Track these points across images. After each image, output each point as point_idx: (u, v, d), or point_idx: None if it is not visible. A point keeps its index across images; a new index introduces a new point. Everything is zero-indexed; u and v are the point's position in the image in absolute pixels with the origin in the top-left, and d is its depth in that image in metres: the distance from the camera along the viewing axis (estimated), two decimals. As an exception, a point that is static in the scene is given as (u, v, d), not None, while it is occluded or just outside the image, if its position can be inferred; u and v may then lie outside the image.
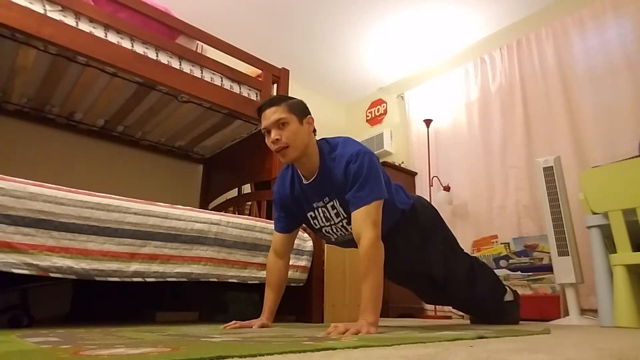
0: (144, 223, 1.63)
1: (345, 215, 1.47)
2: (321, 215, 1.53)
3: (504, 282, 1.98)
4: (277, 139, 1.40)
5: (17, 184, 1.39)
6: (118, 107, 2.49)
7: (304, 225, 1.68)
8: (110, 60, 1.95)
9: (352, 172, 1.36)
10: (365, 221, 1.31)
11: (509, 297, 1.87)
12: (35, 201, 1.40)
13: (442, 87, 3.90)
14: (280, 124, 1.40)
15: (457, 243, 1.80)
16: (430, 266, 1.66)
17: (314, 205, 1.52)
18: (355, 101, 4.87)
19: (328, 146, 1.49)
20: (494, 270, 2.32)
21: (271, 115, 1.41)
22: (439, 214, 1.80)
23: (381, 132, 4.29)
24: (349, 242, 1.55)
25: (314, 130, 1.51)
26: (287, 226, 1.62)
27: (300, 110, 1.45)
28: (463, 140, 3.61)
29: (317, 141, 1.51)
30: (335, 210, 1.49)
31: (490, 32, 3.67)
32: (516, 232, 3.04)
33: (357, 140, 1.54)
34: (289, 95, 2.74)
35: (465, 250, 1.86)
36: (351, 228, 1.47)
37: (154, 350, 0.65)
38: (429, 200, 3.61)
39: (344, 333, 1.07)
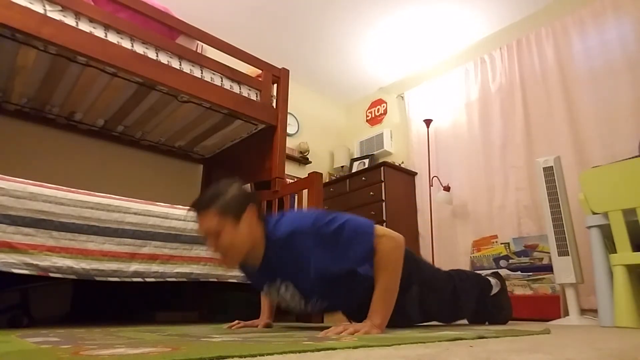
0: (144, 223, 1.63)
1: (300, 296, 1.32)
2: (275, 295, 1.39)
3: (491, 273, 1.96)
4: (214, 250, 1.25)
5: (17, 184, 1.39)
6: (118, 107, 2.50)
7: None
8: (110, 60, 1.95)
9: (329, 239, 1.19)
10: (382, 242, 1.21)
11: (495, 288, 1.85)
12: (35, 201, 1.40)
13: (442, 87, 3.90)
14: (211, 233, 1.23)
15: (435, 274, 1.66)
16: (409, 319, 1.52)
17: (266, 286, 1.39)
18: (355, 101, 4.87)
19: (275, 224, 1.29)
20: (491, 271, 2.32)
21: (201, 223, 1.25)
22: (414, 259, 1.57)
23: (381, 132, 4.30)
24: (318, 311, 1.45)
25: (259, 214, 1.31)
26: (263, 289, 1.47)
27: (237, 208, 1.25)
28: (463, 140, 3.61)
29: (267, 220, 1.32)
30: (289, 292, 1.33)
31: (490, 32, 3.67)
32: (516, 232, 3.03)
33: (301, 212, 1.35)
34: (289, 93, 2.76)
35: (443, 270, 1.76)
36: (311, 307, 1.36)
37: (154, 350, 0.65)
38: (428, 200, 3.63)
39: (341, 332, 1.06)
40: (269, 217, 1.33)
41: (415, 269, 1.52)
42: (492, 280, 1.88)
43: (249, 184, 2.99)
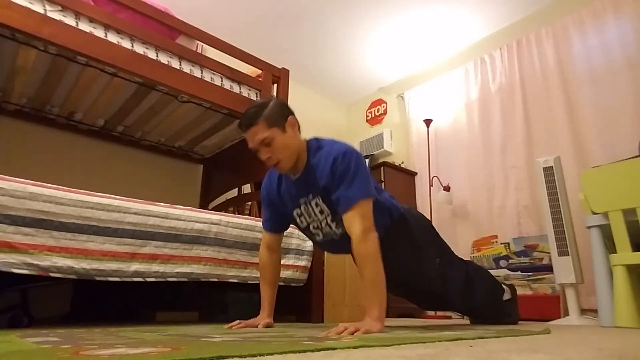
0: (144, 223, 1.63)
1: (329, 212, 1.45)
2: (305, 212, 1.52)
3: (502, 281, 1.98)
4: (268, 158, 1.40)
5: (17, 184, 1.39)
6: (118, 107, 2.49)
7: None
8: (110, 60, 1.94)
9: (339, 171, 1.34)
10: (353, 217, 1.30)
11: (507, 295, 1.87)
12: (35, 201, 1.40)
13: (442, 87, 3.90)
14: (265, 143, 1.38)
15: (452, 253, 1.76)
16: (428, 281, 1.61)
17: (300, 201, 1.50)
18: (355, 101, 4.87)
19: (316, 144, 1.47)
20: (491, 271, 2.33)
21: (253, 136, 1.39)
22: (431, 226, 1.75)
23: (381, 132, 4.30)
24: (335, 244, 1.54)
25: (299, 127, 1.48)
26: (276, 226, 1.62)
27: (280, 117, 1.41)
28: (463, 140, 3.61)
29: (307, 140, 1.49)
30: (319, 208, 1.46)
31: (490, 32, 3.67)
32: (516, 232, 3.04)
33: (344, 142, 1.51)
34: (289, 93, 2.75)
35: (460, 256, 1.83)
36: (335, 225, 1.47)
37: (154, 350, 0.65)
38: (428, 200, 3.63)
39: (342, 332, 1.06)
40: (309, 139, 1.49)
41: (434, 236, 1.69)
42: (505, 287, 1.90)
43: (249, 184, 3.00)
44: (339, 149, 1.38)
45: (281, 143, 1.38)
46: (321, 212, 1.47)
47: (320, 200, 1.44)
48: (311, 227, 1.55)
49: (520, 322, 1.97)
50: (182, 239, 1.73)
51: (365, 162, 1.43)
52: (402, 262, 1.55)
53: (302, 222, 1.56)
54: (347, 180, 1.33)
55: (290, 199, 1.53)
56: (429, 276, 1.60)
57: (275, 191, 1.57)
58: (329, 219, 1.47)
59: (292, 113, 1.47)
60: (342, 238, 1.49)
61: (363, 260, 1.27)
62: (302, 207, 1.51)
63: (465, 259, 1.88)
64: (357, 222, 1.29)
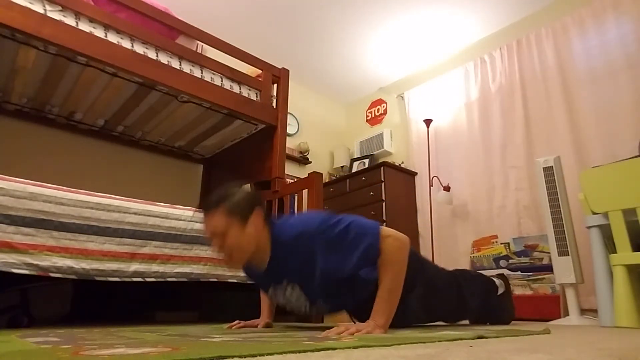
0: (144, 223, 1.63)
1: (306, 299, 1.34)
2: (281, 296, 1.40)
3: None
4: (218, 249, 1.25)
5: (17, 184, 1.39)
6: (118, 107, 2.50)
7: None
8: (110, 60, 1.95)
9: (334, 242, 1.20)
10: (387, 242, 1.20)
11: (500, 289, 1.86)
12: (35, 201, 1.40)
13: (442, 87, 3.90)
14: (217, 234, 1.23)
15: (438, 273, 1.67)
16: (412, 319, 1.53)
17: (272, 287, 1.40)
18: (355, 101, 4.87)
19: (281, 228, 1.30)
20: (491, 271, 2.32)
21: (208, 223, 1.25)
22: (418, 260, 1.58)
23: (381, 132, 4.30)
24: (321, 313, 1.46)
25: (264, 218, 1.30)
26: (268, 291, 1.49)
27: (245, 210, 1.25)
28: (463, 140, 3.61)
29: (273, 223, 1.32)
30: (295, 294, 1.34)
31: (490, 32, 3.67)
32: (516, 232, 3.03)
33: (308, 213, 1.36)
34: (289, 93, 2.76)
35: (447, 269, 1.76)
36: (315, 310, 1.37)
37: (154, 350, 0.65)
38: (428, 200, 3.63)
39: (342, 332, 1.07)
40: (275, 220, 1.33)
41: (420, 269, 1.53)
42: (497, 281, 1.88)
43: (249, 184, 2.99)
44: (312, 225, 1.23)
45: (235, 239, 1.23)
46: (297, 299, 1.35)
47: (298, 287, 1.33)
48: (287, 307, 1.44)
49: (520, 322, 1.97)
50: (182, 239, 1.73)
51: (335, 215, 1.28)
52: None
53: (277, 299, 1.45)
54: (352, 240, 1.20)
55: (262, 283, 1.44)
56: (415, 314, 1.51)
57: (248, 268, 1.47)
58: (307, 305, 1.36)
59: (259, 204, 1.31)
60: (329, 312, 1.45)
61: (389, 266, 1.20)
62: (276, 291, 1.40)
63: (453, 269, 1.81)
64: (396, 244, 1.21)
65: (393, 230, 1.27)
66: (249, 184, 1.34)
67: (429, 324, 1.70)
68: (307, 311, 1.39)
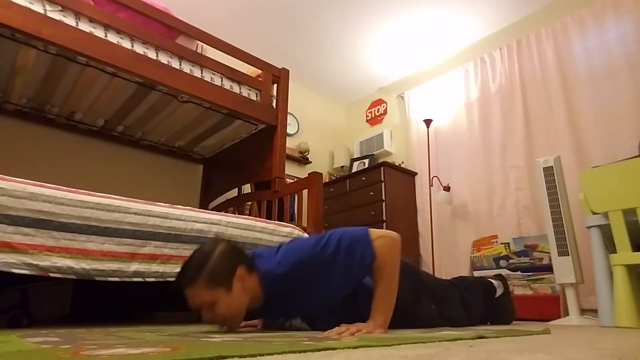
0: (144, 223, 1.63)
1: (310, 322, 1.31)
2: (280, 325, 1.38)
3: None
4: (212, 318, 1.21)
5: (17, 184, 1.39)
6: (118, 107, 2.50)
7: (303, 224, 1.67)
8: (110, 60, 1.95)
9: (328, 262, 1.19)
10: (378, 244, 1.20)
11: (499, 290, 1.86)
12: (35, 201, 1.40)
13: (442, 87, 3.90)
14: (206, 305, 1.18)
15: (438, 284, 1.68)
16: (423, 324, 1.50)
17: (275, 320, 1.38)
18: (355, 101, 4.87)
19: (270, 265, 1.25)
20: (490, 271, 2.32)
21: (192, 298, 1.18)
22: (416, 272, 1.58)
23: (381, 132, 4.30)
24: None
25: (249, 271, 1.24)
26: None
27: (226, 274, 1.18)
28: (463, 140, 3.61)
29: (258, 266, 1.26)
30: (297, 323, 1.32)
31: (491, 32, 3.67)
32: (516, 232, 3.03)
33: (292, 245, 1.31)
34: (289, 93, 2.75)
35: (447, 279, 1.79)
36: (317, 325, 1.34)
37: (154, 350, 0.65)
38: (428, 200, 3.63)
39: (343, 332, 1.07)
40: (260, 260, 1.27)
41: (419, 282, 1.54)
42: (495, 283, 1.88)
43: (249, 184, 2.99)
44: (287, 265, 1.20)
45: (225, 307, 1.17)
46: (300, 324, 1.33)
47: (299, 320, 1.31)
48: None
49: (520, 322, 1.97)
50: (182, 239, 1.73)
51: (319, 236, 1.26)
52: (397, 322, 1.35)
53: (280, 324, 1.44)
54: (344, 254, 1.19)
55: (259, 313, 1.40)
56: (425, 322, 1.50)
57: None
58: (309, 327, 1.33)
59: (240, 262, 1.22)
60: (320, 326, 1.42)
61: (383, 266, 1.20)
62: (275, 322, 1.38)
63: (451, 279, 1.82)
64: (387, 244, 1.21)
65: (381, 230, 1.27)
66: (223, 242, 1.26)
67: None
68: (309, 330, 1.36)
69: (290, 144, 4.08)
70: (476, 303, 1.73)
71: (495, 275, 1.98)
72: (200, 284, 1.15)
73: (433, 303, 1.54)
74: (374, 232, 1.24)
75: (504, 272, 2.72)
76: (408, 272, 1.45)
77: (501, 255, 2.84)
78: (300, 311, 1.30)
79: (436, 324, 1.53)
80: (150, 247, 1.63)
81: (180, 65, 2.19)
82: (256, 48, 3.04)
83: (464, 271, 3.18)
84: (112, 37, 1.96)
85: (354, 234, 1.23)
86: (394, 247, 1.24)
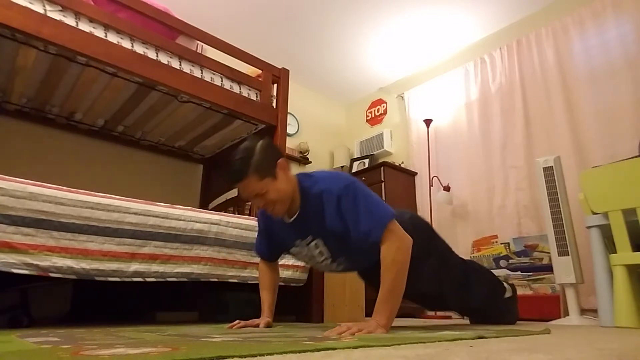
0: (144, 223, 1.63)
1: (329, 255, 1.42)
2: (304, 252, 1.47)
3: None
4: (264, 206, 1.35)
5: (17, 184, 1.39)
6: (118, 107, 2.49)
7: None
8: (110, 60, 1.94)
9: (348, 208, 1.27)
10: (392, 244, 1.23)
11: (508, 293, 1.88)
12: (35, 201, 1.40)
13: (442, 87, 3.90)
14: (258, 195, 1.31)
15: (451, 254, 1.74)
16: (424, 285, 1.57)
17: (296, 242, 1.46)
18: (355, 101, 4.87)
19: (308, 181, 1.38)
20: (492, 270, 2.32)
21: (244, 189, 1.31)
22: (432, 231, 1.70)
23: (381, 132, 4.30)
24: (339, 271, 1.55)
25: (289, 166, 1.40)
26: (271, 255, 1.61)
27: (270, 165, 1.32)
28: (463, 140, 3.61)
29: (297, 176, 1.41)
30: (318, 250, 1.42)
31: (490, 32, 3.67)
32: (516, 232, 3.03)
33: (334, 171, 1.47)
34: (289, 93, 2.75)
35: (460, 256, 1.82)
36: (336, 266, 1.45)
37: (154, 350, 0.65)
38: (428, 200, 3.63)
39: (344, 332, 1.07)
40: (299, 174, 1.42)
41: (433, 240, 1.63)
42: (506, 285, 1.90)
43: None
44: (338, 184, 1.31)
45: (275, 192, 1.31)
46: (320, 253, 1.43)
47: (322, 242, 1.40)
48: (308, 264, 1.56)
49: (520, 322, 1.97)
50: (182, 239, 1.73)
51: (365, 186, 1.35)
52: None
53: (298, 258, 1.58)
54: (362, 214, 1.26)
55: (287, 238, 1.49)
56: (422, 279, 1.56)
57: (271, 224, 1.53)
58: (328, 262, 1.45)
59: (280, 155, 1.38)
60: (344, 271, 1.53)
61: (391, 267, 1.22)
62: (299, 247, 1.47)
63: (466, 259, 1.88)
64: (392, 239, 1.24)
65: (400, 228, 1.28)
66: (260, 140, 1.38)
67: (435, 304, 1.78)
68: (329, 267, 1.48)
69: (291, 144, 4.08)
70: (479, 284, 1.76)
71: (507, 282, 2.01)
72: (250, 177, 1.29)
73: (438, 267, 1.61)
74: (393, 225, 1.27)
75: (504, 272, 2.73)
76: (423, 227, 1.60)
77: (501, 255, 2.84)
78: (322, 236, 1.38)
79: (433, 290, 1.60)
80: (150, 247, 1.63)
81: (180, 65, 2.19)
82: (256, 48, 3.04)
83: (464, 271, 3.18)
84: (112, 37, 1.96)
85: (378, 211, 1.27)
86: (402, 249, 1.25)
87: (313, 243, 1.41)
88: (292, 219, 1.40)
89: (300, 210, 1.37)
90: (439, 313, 3.21)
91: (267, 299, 1.59)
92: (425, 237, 1.56)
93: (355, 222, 1.26)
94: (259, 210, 1.58)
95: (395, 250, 1.23)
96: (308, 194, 1.36)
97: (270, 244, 1.58)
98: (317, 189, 1.34)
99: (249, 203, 2.98)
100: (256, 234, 1.96)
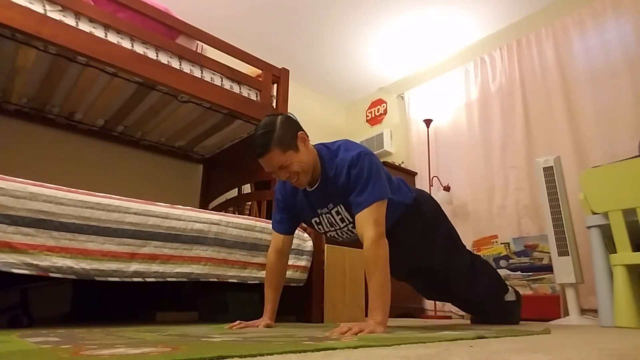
0: (144, 223, 1.63)
1: (350, 220, 1.48)
2: (325, 221, 1.55)
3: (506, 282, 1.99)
4: (287, 177, 1.42)
5: (17, 184, 1.39)
6: (118, 107, 2.49)
7: (303, 224, 1.69)
8: (110, 60, 1.94)
9: (354, 176, 1.36)
10: (367, 221, 1.32)
11: (510, 296, 1.88)
12: (35, 201, 1.40)
13: (442, 87, 3.90)
14: (282, 168, 1.39)
15: (460, 239, 1.81)
16: (431, 258, 1.67)
17: (318, 211, 1.53)
18: (355, 101, 4.87)
19: (328, 151, 1.47)
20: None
21: (269, 163, 1.39)
22: (441, 209, 1.80)
23: (381, 132, 4.30)
24: (357, 241, 1.57)
25: (308, 137, 1.48)
26: (289, 228, 1.64)
27: (291, 138, 1.40)
28: (463, 140, 3.61)
29: (316, 147, 1.50)
30: (340, 216, 1.50)
31: (490, 32, 3.67)
32: (516, 232, 3.04)
33: (355, 141, 1.53)
34: (289, 93, 2.75)
35: (467, 249, 1.88)
36: (356, 235, 1.49)
37: (154, 350, 0.65)
38: (429, 200, 3.63)
39: (345, 332, 1.07)
40: (318, 145, 1.50)
41: (442, 218, 1.74)
42: (510, 288, 1.91)
43: (249, 184, 2.99)
44: (352, 153, 1.39)
45: (297, 165, 1.39)
46: (342, 220, 1.50)
47: (342, 208, 1.47)
48: (329, 234, 1.59)
49: (520, 322, 1.97)
50: (182, 239, 1.73)
51: (377, 160, 1.44)
52: (412, 241, 1.59)
53: (319, 229, 1.60)
54: (361, 184, 1.35)
55: (308, 208, 1.55)
56: (433, 253, 1.65)
57: (290, 197, 1.58)
58: (350, 227, 1.51)
59: (300, 128, 1.44)
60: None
61: (373, 266, 1.28)
62: (322, 217, 1.54)
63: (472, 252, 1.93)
64: (370, 227, 1.30)
65: (382, 214, 1.35)
66: (279, 115, 1.46)
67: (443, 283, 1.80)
68: (351, 235, 1.53)
69: (290, 144, 4.07)
70: (483, 274, 1.80)
71: (512, 286, 2.02)
72: (273, 151, 1.35)
73: (448, 241, 1.70)
74: (381, 207, 1.34)
75: (504, 272, 2.73)
76: (434, 204, 1.75)
77: (501, 255, 2.84)
78: (343, 200, 1.44)
79: (443, 264, 1.68)
80: (150, 247, 1.63)
81: (180, 65, 2.19)
82: (256, 48, 3.04)
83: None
84: (112, 37, 1.96)
85: (379, 189, 1.36)
86: (382, 244, 1.31)
87: (334, 210, 1.48)
88: (314, 188, 1.48)
89: (321, 179, 1.46)
90: (439, 313, 3.21)
91: (271, 298, 1.59)
92: (434, 209, 1.71)
93: (354, 190, 1.36)
94: (277, 186, 1.65)
95: (376, 246, 1.29)
96: (327, 163, 1.44)
97: (291, 218, 1.62)
98: (335, 158, 1.43)
99: (249, 203, 2.98)
100: (256, 233, 1.97)
